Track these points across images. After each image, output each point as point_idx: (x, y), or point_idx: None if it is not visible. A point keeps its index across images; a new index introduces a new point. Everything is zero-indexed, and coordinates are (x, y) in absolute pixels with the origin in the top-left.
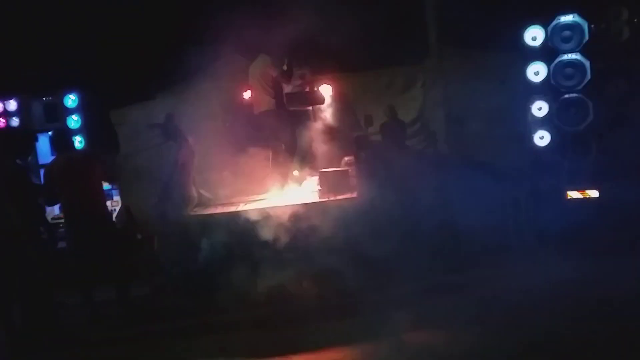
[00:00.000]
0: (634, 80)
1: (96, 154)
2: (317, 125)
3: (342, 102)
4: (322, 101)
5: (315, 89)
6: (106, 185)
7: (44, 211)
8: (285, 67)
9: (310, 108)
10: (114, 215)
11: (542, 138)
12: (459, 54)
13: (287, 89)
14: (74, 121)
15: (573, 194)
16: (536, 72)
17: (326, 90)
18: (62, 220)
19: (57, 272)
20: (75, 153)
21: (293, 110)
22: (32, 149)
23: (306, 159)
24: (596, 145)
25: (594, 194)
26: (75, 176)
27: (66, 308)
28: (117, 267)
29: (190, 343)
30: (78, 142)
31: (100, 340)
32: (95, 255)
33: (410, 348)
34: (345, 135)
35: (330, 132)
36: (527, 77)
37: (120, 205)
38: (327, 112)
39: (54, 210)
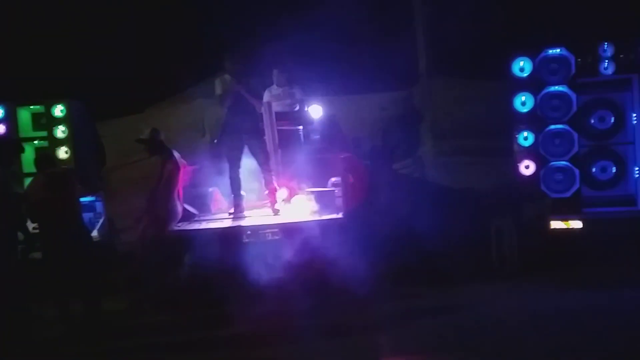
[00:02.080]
0: (618, 113)
1: (74, 170)
2: (306, 145)
3: (332, 124)
4: (311, 121)
5: (305, 109)
6: (90, 197)
7: (25, 219)
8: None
9: (300, 127)
10: (96, 227)
11: (527, 167)
12: (449, 82)
13: (277, 107)
14: (60, 131)
15: (556, 224)
16: (523, 102)
17: (316, 111)
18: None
19: (33, 283)
20: (55, 170)
21: (281, 129)
22: (16, 158)
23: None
24: (580, 176)
25: (577, 224)
26: (52, 192)
27: (42, 320)
28: (86, 281)
29: None
30: (64, 152)
31: (74, 355)
32: (68, 268)
33: None
34: (333, 156)
35: (319, 153)
36: (514, 107)
37: (102, 217)
38: (316, 133)
39: None
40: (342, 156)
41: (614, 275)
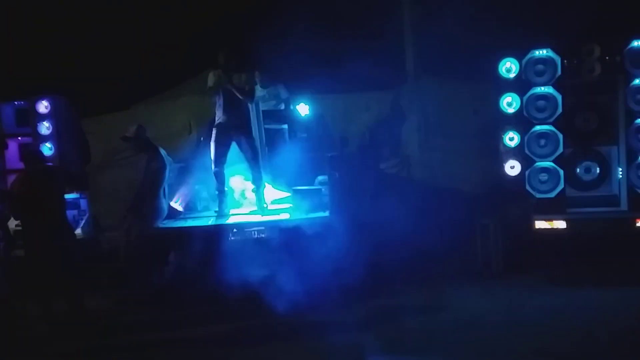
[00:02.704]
0: (603, 115)
1: (59, 167)
2: (292, 144)
3: (319, 122)
4: (298, 120)
5: (292, 107)
6: (74, 194)
7: (6, 217)
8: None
9: (285, 126)
10: (80, 225)
11: (512, 167)
12: (435, 83)
13: (263, 107)
14: (45, 127)
15: (541, 224)
16: (509, 102)
17: (303, 110)
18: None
19: (16, 280)
20: (38, 167)
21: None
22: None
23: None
24: (565, 177)
25: (561, 224)
26: (36, 189)
27: (25, 318)
28: (69, 278)
29: (152, 358)
30: (48, 148)
31: (57, 353)
32: (50, 265)
33: None
34: (320, 154)
35: (306, 151)
36: (500, 108)
37: (87, 214)
38: (302, 131)
39: None
40: (329, 154)
41: (597, 274)
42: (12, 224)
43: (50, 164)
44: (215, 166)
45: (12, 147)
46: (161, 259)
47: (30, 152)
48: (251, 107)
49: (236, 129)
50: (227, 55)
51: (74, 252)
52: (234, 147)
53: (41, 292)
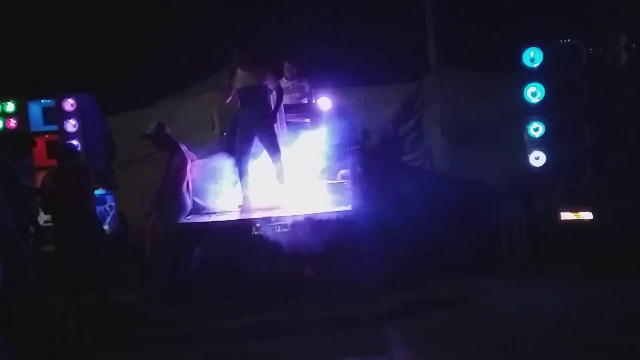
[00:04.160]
0: (630, 104)
1: (89, 164)
2: (315, 137)
3: (341, 116)
4: (320, 113)
5: (314, 101)
6: (101, 190)
7: (36, 213)
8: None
9: (308, 120)
10: (107, 220)
11: (537, 159)
12: (458, 73)
13: (286, 100)
14: (71, 125)
15: (566, 216)
16: (533, 92)
17: (325, 103)
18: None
19: (45, 275)
20: (71, 163)
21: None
22: (28, 152)
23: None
24: (591, 167)
25: (587, 216)
26: (67, 185)
27: (54, 313)
28: (98, 273)
29: (178, 352)
30: (75, 145)
31: (86, 347)
32: (80, 261)
33: None
34: (342, 148)
35: (328, 145)
36: (524, 98)
37: (113, 210)
38: (325, 125)
39: None
40: (351, 148)
41: (624, 266)
42: (41, 220)
43: (81, 160)
44: (238, 162)
45: (40, 145)
46: (186, 254)
47: (64, 148)
48: (271, 102)
49: (257, 126)
50: (242, 53)
51: (103, 247)
52: (257, 142)
53: (70, 287)
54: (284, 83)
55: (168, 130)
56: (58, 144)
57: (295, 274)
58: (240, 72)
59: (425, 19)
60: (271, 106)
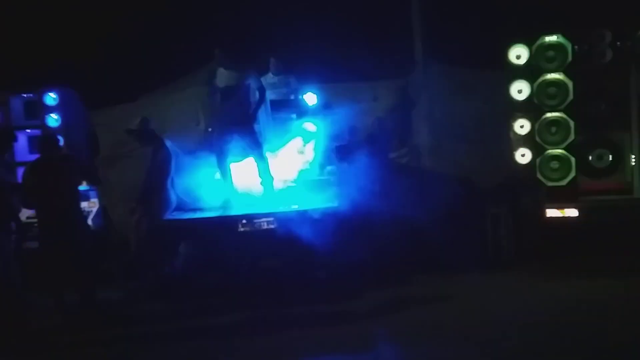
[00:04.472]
0: (615, 101)
1: (74, 156)
2: (301, 133)
3: (327, 112)
4: (306, 109)
5: (300, 96)
6: (84, 186)
7: (17, 209)
8: None
9: (294, 115)
10: (91, 216)
11: (523, 155)
12: (444, 70)
13: (272, 95)
14: (53, 120)
15: (552, 213)
16: (519, 90)
17: (311, 99)
18: (35, 220)
19: (28, 272)
20: (53, 155)
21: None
22: (9, 147)
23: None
24: (576, 164)
25: (572, 213)
26: (49, 178)
27: (37, 310)
28: (82, 270)
29: (164, 349)
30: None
31: (71, 344)
32: (64, 257)
33: None
34: (328, 144)
35: (314, 141)
36: (510, 95)
37: (97, 206)
38: (311, 120)
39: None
40: (337, 144)
41: (609, 263)
42: (23, 216)
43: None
44: (219, 159)
45: (22, 139)
46: (171, 250)
47: (47, 138)
48: (254, 98)
49: (237, 124)
50: (222, 53)
51: (88, 244)
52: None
53: (54, 284)
54: (270, 78)
55: (152, 126)
56: (40, 136)
57: (282, 270)
58: (221, 71)
59: (411, 16)
60: (252, 105)
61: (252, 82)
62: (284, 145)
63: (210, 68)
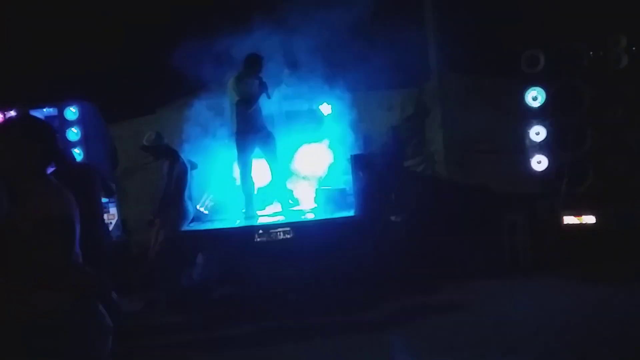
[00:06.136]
0: (632, 107)
1: (94, 166)
2: (316, 143)
3: (342, 121)
4: (321, 119)
5: (315, 107)
6: (103, 199)
7: None
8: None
9: (309, 126)
10: (110, 227)
11: (539, 163)
12: (459, 78)
13: (286, 106)
14: (73, 133)
15: (569, 220)
16: (534, 97)
17: (326, 109)
18: None
19: None
20: (75, 164)
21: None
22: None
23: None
24: (593, 171)
25: (590, 220)
26: (74, 187)
27: None
28: (103, 280)
29: (180, 359)
30: (77, 154)
31: None
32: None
33: None
34: (344, 153)
35: (329, 150)
36: (525, 102)
37: (116, 218)
38: (326, 130)
39: None
40: (353, 154)
41: (627, 271)
42: None
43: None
44: (242, 170)
45: None
46: (189, 261)
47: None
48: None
49: (255, 133)
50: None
51: (109, 255)
52: (258, 150)
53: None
54: (284, 89)
55: (166, 140)
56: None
57: (299, 280)
58: (241, 81)
59: (426, 25)
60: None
61: (267, 93)
62: (300, 155)
63: (234, 78)
